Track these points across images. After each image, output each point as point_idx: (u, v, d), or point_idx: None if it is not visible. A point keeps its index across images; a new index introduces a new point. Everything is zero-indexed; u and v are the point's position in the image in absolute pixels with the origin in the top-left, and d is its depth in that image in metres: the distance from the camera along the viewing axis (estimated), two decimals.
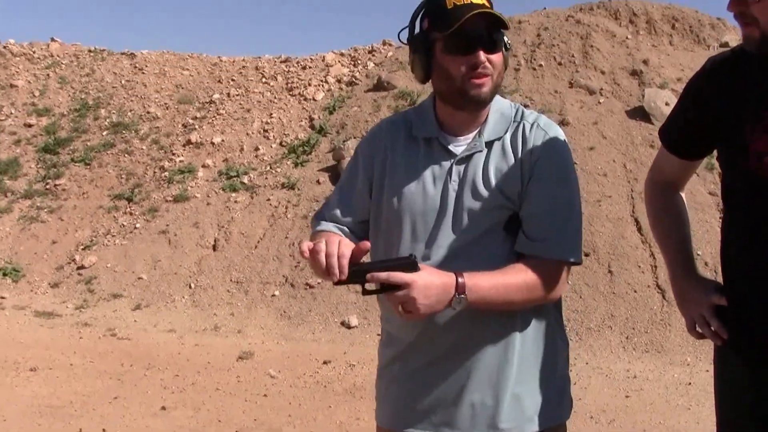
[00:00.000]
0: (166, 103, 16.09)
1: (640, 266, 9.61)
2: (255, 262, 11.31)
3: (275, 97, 15.36)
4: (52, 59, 18.29)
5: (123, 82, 17.04)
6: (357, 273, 2.53)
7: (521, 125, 2.79)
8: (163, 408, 7.48)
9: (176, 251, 11.93)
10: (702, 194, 10.33)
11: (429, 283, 2.52)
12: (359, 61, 16.10)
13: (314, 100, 15.08)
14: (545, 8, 15.68)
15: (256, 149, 14.03)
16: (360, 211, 2.97)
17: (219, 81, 16.48)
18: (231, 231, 12.04)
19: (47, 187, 14.39)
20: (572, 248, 2.71)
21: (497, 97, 2.84)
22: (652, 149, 11.20)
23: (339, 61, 16.29)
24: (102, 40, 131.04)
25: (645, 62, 13.10)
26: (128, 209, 13.29)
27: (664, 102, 12.08)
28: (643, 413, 6.93)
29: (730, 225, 2.64)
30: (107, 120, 15.91)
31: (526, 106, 10.42)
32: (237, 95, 15.68)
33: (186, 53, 18.16)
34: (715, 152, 2.76)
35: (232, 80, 16.34)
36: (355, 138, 13.09)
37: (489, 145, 2.77)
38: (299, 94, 15.33)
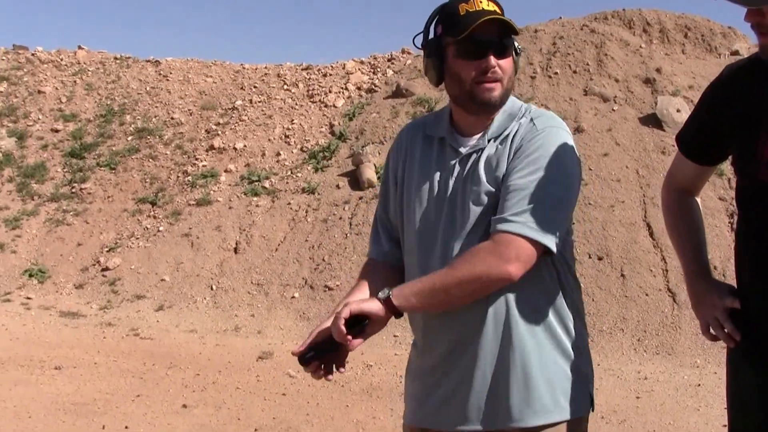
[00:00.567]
0: (189, 109, 16.14)
1: (651, 270, 9.58)
2: (275, 265, 11.31)
3: (296, 104, 15.38)
4: (79, 66, 18.36)
5: (148, 88, 17.10)
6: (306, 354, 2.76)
7: (521, 121, 2.78)
8: (185, 406, 7.49)
9: (198, 254, 11.95)
10: (712, 199, 10.28)
11: (374, 321, 2.63)
12: (378, 69, 16.11)
13: (334, 106, 15.10)
14: (561, 17, 15.65)
15: (278, 154, 14.05)
16: (396, 217, 2.99)
17: (242, 88, 16.51)
18: (252, 234, 12.05)
19: (73, 190, 14.44)
20: (530, 226, 2.60)
21: (511, 99, 2.83)
22: (664, 155, 11.16)
23: (359, 69, 16.30)
24: (128, 48, 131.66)
25: (658, 70, 13.05)
26: (152, 212, 13.32)
27: (676, 109, 12.04)
28: (654, 414, 6.90)
29: (743, 230, 2.62)
30: (132, 125, 15.97)
31: None
32: (259, 102, 15.70)
33: (209, 61, 18.22)
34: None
35: (255, 87, 16.36)
36: (373, 143, 13.10)
37: (490, 142, 2.76)
38: (320, 100, 15.35)
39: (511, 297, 2.69)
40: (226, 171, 13.87)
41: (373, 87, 15.31)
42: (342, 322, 2.57)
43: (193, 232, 12.40)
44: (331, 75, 16.18)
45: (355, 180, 12.57)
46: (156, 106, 16.42)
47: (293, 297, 10.67)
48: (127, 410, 7.41)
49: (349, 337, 2.61)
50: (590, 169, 11.26)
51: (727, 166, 10.23)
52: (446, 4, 2.78)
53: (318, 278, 10.80)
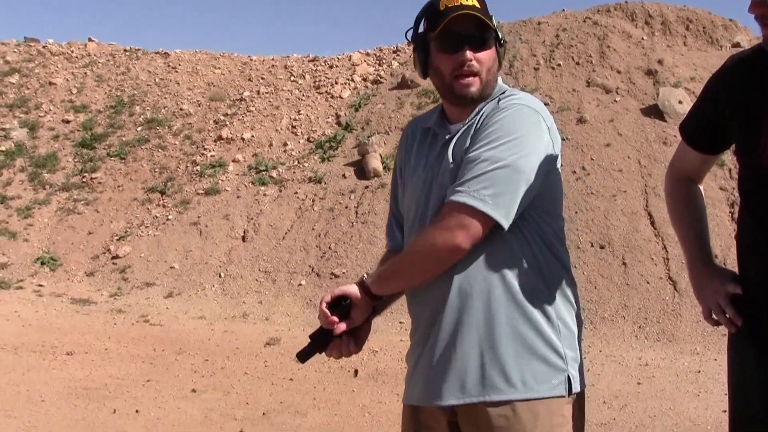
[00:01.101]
0: (198, 101, 16.14)
1: (653, 258, 9.58)
2: (282, 253, 11.33)
3: (303, 95, 15.38)
4: (90, 58, 18.37)
5: (157, 80, 17.11)
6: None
7: (489, 104, 2.77)
8: (194, 391, 7.51)
9: (207, 242, 11.97)
10: (713, 189, 10.27)
11: (357, 308, 2.76)
12: (384, 61, 16.10)
13: (341, 97, 15.10)
14: (564, 10, 15.64)
15: (285, 145, 14.06)
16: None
17: (249, 79, 16.51)
18: (260, 223, 12.07)
19: (84, 180, 14.46)
20: (477, 197, 2.58)
21: (500, 85, 2.84)
22: (665, 146, 11.16)
23: (365, 61, 16.30)
24: (137, 40, 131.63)
25: (660, 62, 13.03)
26: (161, 202, 13.34)
27: (677, 100, 12.02)
28: (654, 399, 6.90)
29: (745, 217, 2.62)
30: (142, 116, 15.99)
31: (546, 104, 10.39)
32: (266, 93, 15.71)
33: (217, 53, 18.22)
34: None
35: (262, 78, 16.36)
36: (379, 134, 13.10)
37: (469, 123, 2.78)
38: (326, 91, 15.36)
39: (475, 273, 2.67)
40: (234, 161, 13.89)
41: (379, 78, 15.32)
42: (323, 305, 2.67)
43: (202, 220, 12.41)
44: (337, 66, 16.17)
45: (361, 170, 12.57)
46: (165, 98, 16.43)
47: (300, 284, 10.68)
48: (137, 394, 7.43)
49: (335, 319, 2.70)
50: (592, 159, 11.25)
51: (728, 157, 10.23)
52: (432, 0, 2.81)
53: (324, 266, 10.82)
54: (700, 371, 7.54)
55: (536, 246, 2.71)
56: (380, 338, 8.78)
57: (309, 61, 16.82)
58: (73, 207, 13.71)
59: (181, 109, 15.87)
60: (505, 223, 2.59)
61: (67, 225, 13.31)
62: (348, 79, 15.59)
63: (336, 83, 15.51)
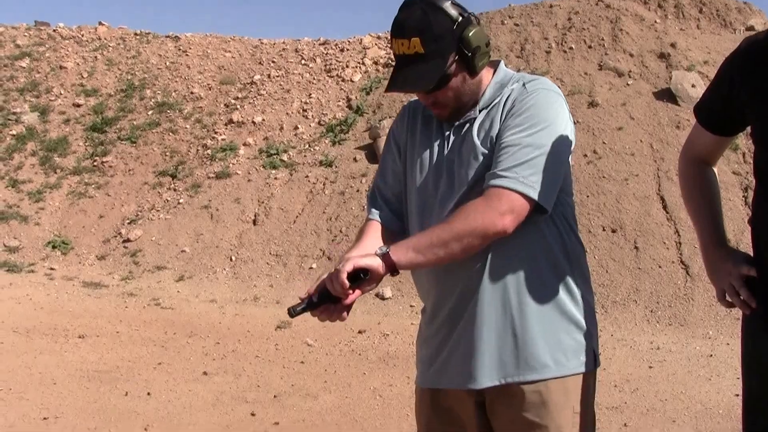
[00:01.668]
0: (209, 84, 16.14)
1: (665, 243, 9.56)
2: (293, 236, 11.34)
3: (314, 78, 15.37)
4: (100, 42, 18.38)
5: (167, 63, 17.10)
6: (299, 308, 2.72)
7: (513, 87, 2.79)
8: (205, 373, 7.54)
9: (218, 225, 11.99)
10: (726, 174, 10.23)
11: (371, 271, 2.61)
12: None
13: (352, 81, 15.08)
14: None
15: (296, 128, 14.06)
16: (395, 187, 3.03)
17: (260, 63, 16.49)
18: (271, 206, 12.08)
19: (95, 164, 14.49)
20: (520, 180, 2.63)
21: (500, 70, 2.86)
22: (678, 130, 11.11)
23: (376, 44, 16.26)
24: (147, 24, 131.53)
25: (673, 45, 12.97)
26: (172, 185, 13.36)
27: (690, 84, 11.96)
28: (666, 383, 6.90)
29: (761, 200, 2.62)
30: (152, 100, 15.99)
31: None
32: (277, 76, 15.69)
33: (228, 36, 18.19)
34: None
35: (273, 62, 16.35)
36: (390, 117, 13.09)
37: (482, 111, 2.79)
38: (337, 75, 15.33)
39: (510, 255, 2.71)
40: (244, 144, 13.89)
41: (390, 62, 15.28)
42: (344, 275, 2.57)
43: (213, 204, 12.43)
44: (348, 50, 16.14)
45: (372, 153, 12.57)
46: (176, 81, 16.43)
47: (311, 268, 10.70)
48: (149, 377, 7.46)
49: (350, 291, 2.61)
50: (604, 143, 11.22)
51: (741, 141, 10.19)
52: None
53: (335, 249, 10.82)
54: (712, 355, 7.53)
55: (561, 226, 2.77)
56: (391, 322, 8.80)
57: (320, 44, 16.80)
58: (84, 191, 13.74)
59: (191, 93, 15.87)
60: (549, 209, 2.66)
61: (78, 209, 13.35)
62: (359, 63, 15.57)
63: (347, 67, 15.49)
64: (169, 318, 9.45)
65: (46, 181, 14.10)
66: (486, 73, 2.83)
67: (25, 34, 18.86)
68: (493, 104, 2.78)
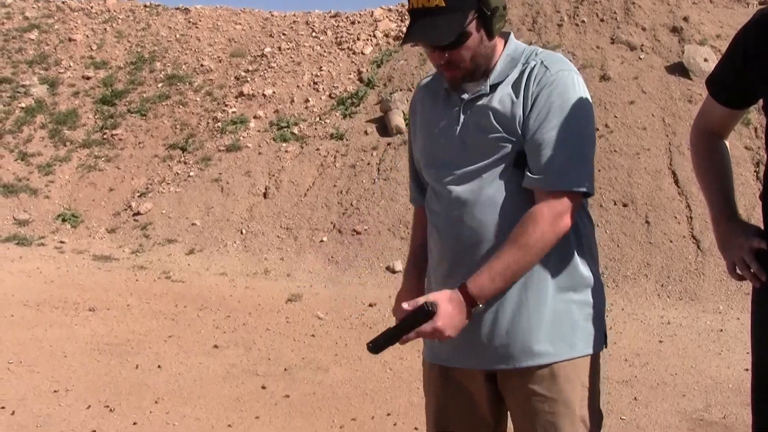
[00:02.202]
0: (219, 57, 16.11)
1: (676, 217, 9.54)
2: (304, 210, 11.36)
3: (325, 51, 15.33)
4: (109, 14, 18.35)
5: (177, 36, 17.08)
6: (385, 341, 2.70)
7: (527, 65, 2.75)
8: (216, 347, 7.58)
9: (228, 198, 12.01)
10: (738, 148, 10.19)
11: (449, 316, 2.61)
12: (406, 17, 16.00)
13: (363, 54, 15.04)
14: None
15: (306, 101, 14.04)
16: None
17: (270, 35, 16.46)
18: (281, 179, 12.09)
19: (105, 137, 14.51)
20: (575, 178, 2.66)
21: (511, 42, 2.83)
22: (690, 104, 11.07)
23: (387, 17, 16.21)
24: None
25: (685, 19, 12.89)
26: (182, 158, 13.38)
27: (703, 58, 11.90)
28: (676, 358, 6.91)
29: None
30: (162, 73, 15.98)
31: None
32: (288, 49, 15.66)
33: (238, 8, 18.17)
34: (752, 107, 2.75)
35: (283, 35, 16.31)
36: (401, 90, 13.07)
37: (494, 87, 2.76)
38: (348, 48, 15.30)
39: None
40: (255, 117, 13.89)
41: (401, 34, 15.23)
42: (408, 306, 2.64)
43: (223, 177, 12.45)
44: (359, 23, 16.09)
45: (383, 126, 12.56)
46: (185, 54, 16.41)
47: (322, 241, 10.72)
48: (159, 350, 7.50)
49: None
50: (616, 117, 11.19)
51: (753, 116, 10.14)
52: None
53: (346, 222, 10.84)
54: (722, 330, 7.54)
55: None
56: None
57: (331, 17, 16.74)
58: (94, 164, 13.77)
59: (201, 65, 15.86)
60: (594, 193, 2.74)
61: (88, 182, 13.38)
62: (370, 35, 15.52)
63: (358, 39, 15.45)
64: (179, 291, 9.49)
65: (56, 154, 14.13)
66: (498, 43, 2.80)
67: (34, 6, 18.83)
68: (505, 80, 2.75)
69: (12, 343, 7.66)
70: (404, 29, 15.56)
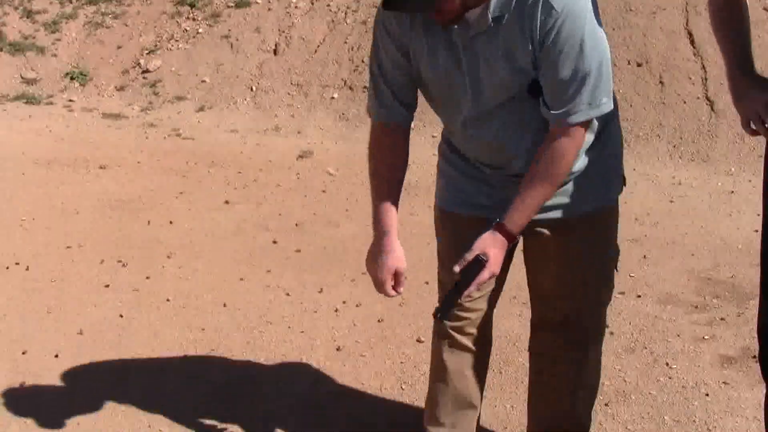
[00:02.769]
0: None
1: (690, 78, 9.42)
2: (315, 66, 11.25)
3: None
4: None
5: None
6: (450, 304, 2.91)
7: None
8: (227, 202, 7.63)
9: (238, 55, 11.89)
10: (756, 9, 9.97)
11: (497, 258, 2.77)
12: None
13: None
14: None
15: None
16: (402, 83, 3.00)
17: None
18: (291, 36, 11.95)
19: None
20: (595, 109, 2.70)
21: None
22: None
23: None
24: None
25: None
26: (191, 15, 13.18)
27: None
28: (686, 218, 6.93)
29: None
30: None
31: None
32: None
33: None
34: None
35: None
36: None
37: (497, 20, 2.66)
38: None
39: None
40: None
41: None
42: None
43: (233, 33, 12.29)
44: None
45: None
46: None
47: (332, 98, 10.66)
48: (170, 206, 7.56)
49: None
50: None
51: None
52: None
53: (357, 79, 10.74)
54: (733, 192, 7.53)
55: None
56: (413, 152, 8.74)
57: None
58: (101, 21, 13.59)
59: None
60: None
61: (95, 39, 13.24)
62: None
63: None
64: (189, 148, 9.50)
65: (62, 11, 13.94)
66: None
67: None
68: (507, 14, 2.65)
69: (24, 201, 7.73)
70: None
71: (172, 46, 12.43)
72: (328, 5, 12.23)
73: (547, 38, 2.61)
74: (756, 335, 2.89)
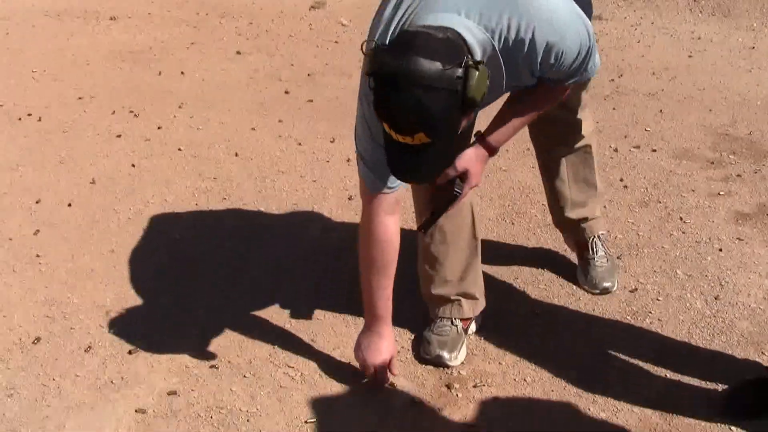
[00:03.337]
0: None
1: None
2: None
3: None
4: None
5: None
6: (433, 222, 3.00)
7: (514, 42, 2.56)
8: (238, 53, 7.50)
9: None
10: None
11: (477, 173, 2.84)
12: None
13: None
14: None
15: None
16: None
17: None
18: None
19: None
20: (586, 71, 2.74)
21: (468, 37, 2.51)
22: None
23: None
24: None
25: None
26: None
27: None
28: (705, 73, 6.77)
29: None
30: None
31: None
32: None
33: None
34: None
35: None
36: None
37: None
38: None
39: None
40: None
41: None
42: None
43: None
44: None
45: None
46: None
47: None
48: (182, 57, 7.44)
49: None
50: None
51: None
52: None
53: None
54: (754, 47, 7.33)
55: None
56: None
57: None
58: None
59: None
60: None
61: None
62: None
63: None
64: None
65: None
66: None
67: None
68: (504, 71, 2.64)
69: (35, 52, 7.61)
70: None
71: None
72: None
73: (550, 68, 2.64)
74: None
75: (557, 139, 3.62)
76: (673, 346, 3.49)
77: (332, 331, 3.66)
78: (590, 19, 2.74)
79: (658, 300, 3.79)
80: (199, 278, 4.11)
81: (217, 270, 4.18)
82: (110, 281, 4.11)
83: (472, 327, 3.55)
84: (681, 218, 4.51)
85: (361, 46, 2.49)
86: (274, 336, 3.63)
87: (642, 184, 4.92)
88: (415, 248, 3.47)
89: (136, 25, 8.35)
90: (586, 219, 3.81)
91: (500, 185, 4.90)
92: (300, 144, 5.62)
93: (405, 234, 3.15)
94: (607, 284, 3.82)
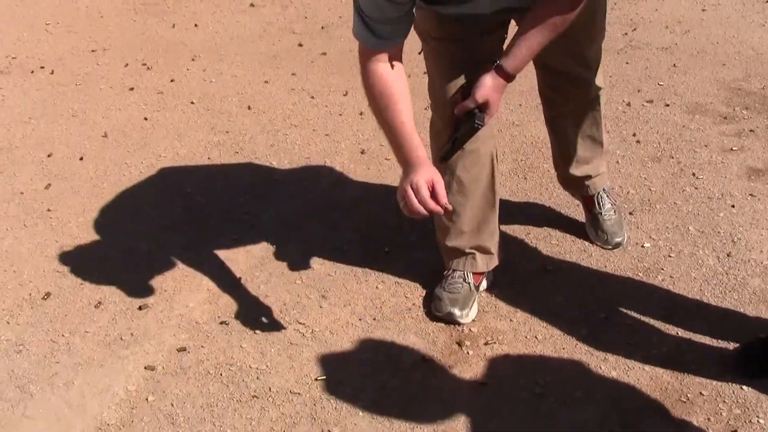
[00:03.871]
0: None
1: None
2: None
3: None
4: None
5: None
6: (454, 150, 2.94)
7: None
8: (252, 5, 7.39)
9: None
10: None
11: (497, 102, 2.77)
12: None
13: None
14: None
15: None
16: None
17: None
18: None
19: None
20: None
21: None
22: None
23: None
24: None
25: None
26: None
27: None
28: (719, 27, 6.62)
29: None
30: None
31: None
32: None
33: None
34: None
35: None
36: None
37: None
38: None
39: None
40: None
41: None
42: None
43: None
44: None
45: None
46: None
47: None
48: (196, 9, 7.34)
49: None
50: None
51: None
52: None
53: None
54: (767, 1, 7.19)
55: None
56: None
57: None
58: None
59: None
60: None
61: None
62: None
63: None
64: None
65: None
66: None
67: None
68: None
69: (48, 4, 7.54)
70: None
71: None
72: None
73: None
74: None
75: (565, 95, 3.52)
76: (684, 304, 3.42)
77: (343, 288, 3.60)
78: None
79: (670, 257, 3.71)
80: (211, 232, 4.06)
81: (228, 224, 4.12)
82: (121, 236, 4.05)
83: (483, 284, 3.49)
84: (693, 174, 4.42)
85: None
86: (284, 292, 3.58)
87: (654, 138, 4.82)
88: None
89: None
90: (589, 176, 3.73)
91: (513, 140, 4.81)
92: (313, 97, 5.53)
93: None
94: (618, 239, 3.76)
